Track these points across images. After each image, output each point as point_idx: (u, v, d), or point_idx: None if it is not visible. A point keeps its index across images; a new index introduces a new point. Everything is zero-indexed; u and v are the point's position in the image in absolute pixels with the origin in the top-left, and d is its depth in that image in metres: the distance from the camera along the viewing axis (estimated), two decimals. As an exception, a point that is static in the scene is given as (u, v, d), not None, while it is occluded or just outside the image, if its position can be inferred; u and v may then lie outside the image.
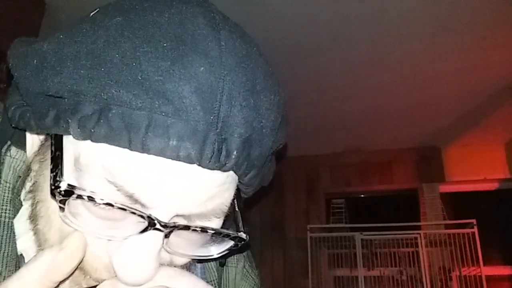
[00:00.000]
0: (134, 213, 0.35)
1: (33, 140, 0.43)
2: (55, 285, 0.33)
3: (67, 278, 0.35)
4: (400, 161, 3.51)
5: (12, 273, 0.40)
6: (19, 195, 0.44)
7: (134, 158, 0.34)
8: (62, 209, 0.35)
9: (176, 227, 0.36)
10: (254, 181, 0.41)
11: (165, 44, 0.34)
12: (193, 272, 0.52)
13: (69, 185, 0.34)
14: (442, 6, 1.96)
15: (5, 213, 0.41)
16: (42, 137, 0.42)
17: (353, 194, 3.67)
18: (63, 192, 0.34)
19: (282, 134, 0.43)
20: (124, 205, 0.34)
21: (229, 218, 0.42)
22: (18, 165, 0.44)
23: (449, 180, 3.38)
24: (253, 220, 3.51)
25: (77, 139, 0.35)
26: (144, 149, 0.33)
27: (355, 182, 3.58)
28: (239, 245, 0.42)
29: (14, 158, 0.44)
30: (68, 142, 0.36)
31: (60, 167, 0.35)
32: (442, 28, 2.11)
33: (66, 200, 0.34)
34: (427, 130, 3.21)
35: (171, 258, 0.41)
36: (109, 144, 0.34)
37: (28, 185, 0.43)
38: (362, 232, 3.01)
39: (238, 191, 0.42)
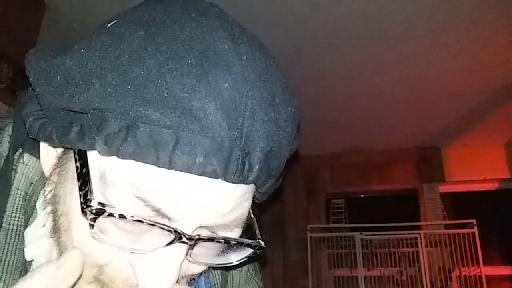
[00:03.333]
0: (162, 228, 0.35)
1: (48, 149, 0.42)
2: None
3: None
4: (400, 161, 3.51)
5: (16, 281, 0.39)
6: (32, 202, 0.44)
7: (160, 174, 0.35)
8: (91, 226, 0.35)
9: (200, 239, 0.37)
10: (270, 189, 0.43)
11: (189, 61, 0.35)
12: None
13: (99, 203, 0.35)
14: (442, 6, 1.96)
15: (15, 220, 0.41)
16: (60, 149, 0.42)
17: (353, 194, 3.67)
18: (94, 210, 0.34)
19: (296, 142, 0.44)
20: (153, 221, 0.35)
21: (246, 229, 0.43)
22: (31, 172, 0.44)
23: (449, 180, 3.38)
24: (253, 220, 3.50)
25: (102, 155, 0.35)
26: (171, 166, 0.34)
27: (355, 182, 3.58)
28: (258, 253, 0.43)
29: (27, 165, 0.44)
30: (93, 157, 0.37)
31: (89, 185, 0.35)
32: (442, 28, 2.11)
33: (96, 218, 0.35)
34: (427, 130, 3.21)
35: (188, 267, 0.41)
36: (135, 160, 0.34)
37: (47, 195, 0.43)
38: (362, 232, 3.01)
39: (252, 198, 0.43)
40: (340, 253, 3.14)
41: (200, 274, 0.45)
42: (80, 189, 0.36)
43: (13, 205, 0.41)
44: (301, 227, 3.35)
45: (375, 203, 3.74)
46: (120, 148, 0.34)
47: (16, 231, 0.41)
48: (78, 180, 0.36)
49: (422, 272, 2.84)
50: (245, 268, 0.62)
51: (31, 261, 0.44)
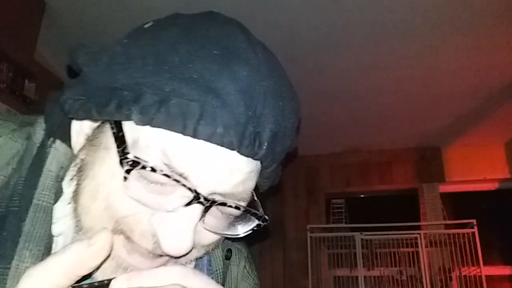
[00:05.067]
0: (184, 185, 0.41)
1: (78, 134, 0.49)
2: (78, 278, 0.36)
3: (90, 274, 0.37)
4: (400, 161, 3.51)
5: (42, 252, 0.45)
6: (61, 183, 0.49)
7: (186, 143, 0.41)
8: (125, 178, 0.41)
9: (215, 202, 0.43)
10: (272, 174, 0.50)
11: (215, 52, 0.42)
12: (201, 262, 0.58)
13: (135, 157, 0.41)
14: (442, 6, 1.96)
15: (44, 197, 0.47)
16: (91, 128, 0.48)
17: (353, 194, 3.67)
18: (131, 162, 0.40)
19: (296, 137, 0.50)
20: (178, 178, 0.41)
21: (250, 206, 0.48)
22: (61, 156, 0.50)
23: (449, 180, 3.38)
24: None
25: (137, 124, 0.41)
26: (195, 135, 0.40)
27: (355, 182, 3.58)
28: (262, 225, 0.48)
29: (58, 150, 0.50)
30: (127, 127, 0.43)
31: (126, 143, 0.42)
32: (442, 29, 2.11)
33: (131, 170, 0.40)
34: (427, 130, 3.21)
35: (200, 237, 0.46)
36: (165, 129, 0.41)
37: (71, 173, 0.49)
38: (362, 232, 3.01)
39: (256, 186, 0.49)
40: (340, 253, 3.14)
41: (207, 250, 0.50)
42: (117, 147, 0.42)
43: (45, 184, 0.47)
44: (301, 227, 3.35)
45: (375, 203, 3.74)
46: (154, 117, 0.40)
47: (44, 208, 0.46)
48: (116, 141, 0.42)
49: (422, 272, 2.84)
50: (242, 264, 0.66)
51: (58, 236, 0.49)
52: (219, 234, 0.47)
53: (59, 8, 2.12)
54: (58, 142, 0.50)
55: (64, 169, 0.49)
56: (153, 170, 0.40)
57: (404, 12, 2.01)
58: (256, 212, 0.47)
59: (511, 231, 3.28)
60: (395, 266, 3.05)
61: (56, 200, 0.48)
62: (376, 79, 2.58)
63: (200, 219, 0.43)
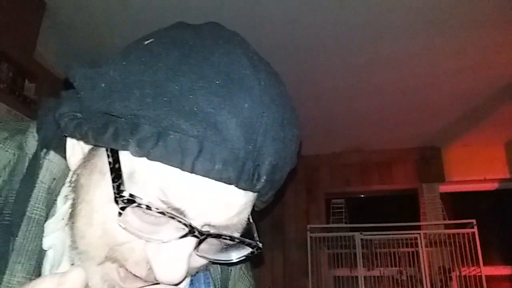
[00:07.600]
0: (180, 221, 0.40)
1: (74, 147, 0.47)
2: None
3: None
4: (400, 161, 3.51)
5: (33, 266, 0.44)
6: (53, 196, 0.48)
7: (183, 178, 0.40)
8: (120, 214, 0.40)
9: (209, 235, 0.42)
10: (270, 199, 0.50)
11: (217, 82, 0.40)
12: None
13: (130, 195, 0.40)
14: (442, 6, 1.96)
15: (37, 210, 0.45)
16: (87, 147, 0.46)
17: (353, 194, 3.67)
18: (126, 200, 0.39)
19: (296, 160, 0.50)
20: (173, 215, 0.40)
21: (245, 231, 0.48)
22: (55, 168, 0.48)
23: (449, 180, 3.38)
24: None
25: (134, 155, 0.40)
26: (193, 171, 0.39)
27: (355, 182, 3.58)
28: (255, 253, 0.48)
29: (51, 161, 0.48)
30: (123, 156, 0.41)
31: (122, 178, 0.40)
32: (442, 28, 2.11)
33: (126, 207, 0.40)
34: (427, 130, 3.21)
35: (192, 262, 0.45)
36: (163, 163, 0.39)
37: (71, 185, 0.47)
38: (362, 232, 3.01)
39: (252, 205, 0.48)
40: (340, 253, 3.14)
41: (199, 270, 0.50)
42: (113, 181, 0.40)
43: (37, 197, 0.46)
44: (301, 227, 3.35)
45: (375, 203, 3.74)
46: (151, 150, 0.39)
47: (37, 221, 0.45)
48: (112, 173, 0.41)
49: (422, 272, 2.84)
50: (238, 265, 0.66)
51: (47, 250, 0.47)
52: (212, 259, 0.47)
53: (59, 8, 2.12)
54: (51, 153, 0.48)
55: (56, 181, 0.48)
56: (148, 208, 0.39)
57: (404, 12, 2.01)
58: (250, 242, 0.46)
59: (511, 231, 3.28)
60: (395, 266, 3.05)
61: (47, 212, 0.47)
62: (376, 79, 2.58)
63: (194, 249, 0.43)
